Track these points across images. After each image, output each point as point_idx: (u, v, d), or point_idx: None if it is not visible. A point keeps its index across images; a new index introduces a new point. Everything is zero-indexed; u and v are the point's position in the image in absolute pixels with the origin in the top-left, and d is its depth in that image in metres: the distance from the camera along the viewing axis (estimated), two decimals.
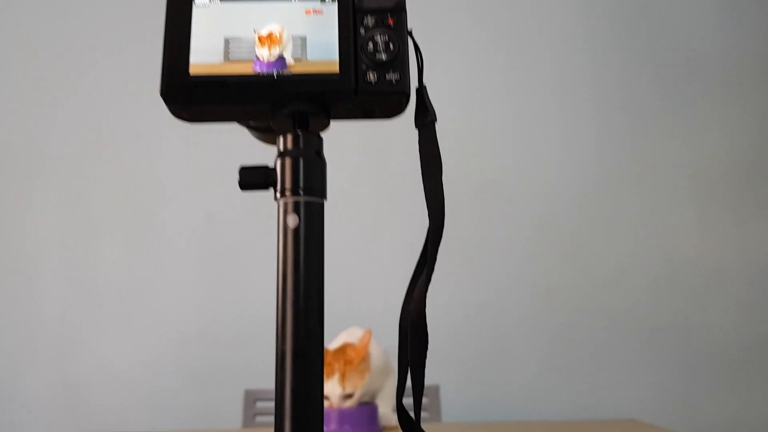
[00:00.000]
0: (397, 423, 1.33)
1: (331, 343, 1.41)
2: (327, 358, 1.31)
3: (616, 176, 2.17)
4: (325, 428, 1.29)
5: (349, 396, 1.29)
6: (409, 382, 0.48)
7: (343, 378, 1.28)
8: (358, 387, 1.29)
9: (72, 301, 2.07)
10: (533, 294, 2.09)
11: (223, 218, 2.11)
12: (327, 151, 0.46)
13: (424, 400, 1.79)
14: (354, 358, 1.31)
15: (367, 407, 1.32)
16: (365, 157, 2.15)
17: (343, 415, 1.29)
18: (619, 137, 2.18)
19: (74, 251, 2.10)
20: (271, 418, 1.79)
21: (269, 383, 2.13)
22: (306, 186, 0.42)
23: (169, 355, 2.03)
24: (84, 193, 2.14)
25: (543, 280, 2.10)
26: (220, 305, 2.06)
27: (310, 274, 0.41)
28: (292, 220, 0.41)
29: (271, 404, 1.97)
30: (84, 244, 2.11)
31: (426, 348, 0.44)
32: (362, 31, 0.45)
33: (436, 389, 1.77)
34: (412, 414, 0.48)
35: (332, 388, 1.27)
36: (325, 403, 1.30)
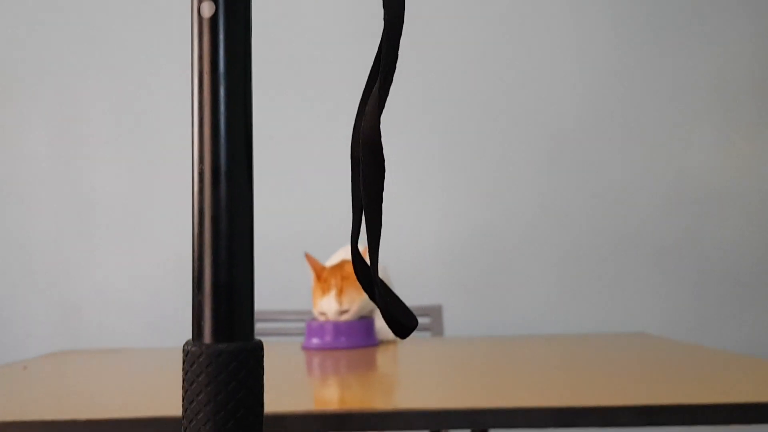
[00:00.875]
0: (395, 336, 1.28)
1: (328, 261, 1.37)
2: (323, 275, 1.27)
3: (629, 89, 2.06)
4: (320, 340, 1.26)
5: (345, 312, 1.25)
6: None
7: (339, 293, 1.24)
8: (355, 302, 1.25)
9: (67, 224, 2.04)
10: (541, 213, 2.02)
11: None
12: None
13: (426, 319, 1.75)
14: (351, 274, 1.27)
15: (364, 320, 1.28)
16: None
17: (339, 328, 1.25)
18: (633, 47, 2.06)
19: (68, 173, 2.06)
20: (271, 338, 1.77)
21: (268, 304, 2.09)
22: None
23: (166, 276, 2.00)
24: (76, 112, 2.08)
25: (551, 198, 2.02)
26: None
27: (233, 76, 0.34)
28: (207, 8, 0.33)
29: (271, 325, 1.94)
30: (78, 165, 2.06)
31: (382, 178, 0.36)
32: None
33: (438, 309, 1.73)
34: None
35: (328, 304, 1.24)
36: (321, 318, 1.27)
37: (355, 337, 1.25)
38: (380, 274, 1.36)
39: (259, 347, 0.35)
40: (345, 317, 1.26)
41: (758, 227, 2.02)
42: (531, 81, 2.06)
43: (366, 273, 0.40)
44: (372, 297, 0.41)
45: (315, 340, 1.25)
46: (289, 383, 0.92)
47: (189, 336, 1.94)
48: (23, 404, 0.85)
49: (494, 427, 0.76)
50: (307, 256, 1.30)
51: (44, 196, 2.05)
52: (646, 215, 2.03)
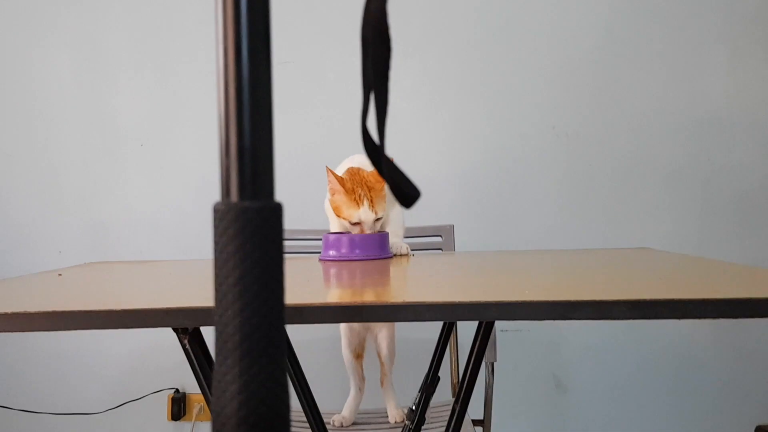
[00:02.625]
0: (408, 251, 1.33)
1: (336, 169, 1.40)
2: (347, 185, 1.31)
3: (642, 13, 2.03)
4: (336, 252, 1.31)
5: (379, 219, 1.30)
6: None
7: (372, 204, 1.28)
8: (384, 210, 1.31)
9: (94, 147, 2.10)
10: (552, 135, 2.04)
11: None
12: None
13: (438, 238, 1.80)
14: (374, 184, 1.31)
15: (378, 233, 1.33)
16: None
17: (354, 240, 1.30)
18: None
19: (93, 97, 2.10)
20: (294, 256, 1.84)
21: (292, 224, 2.16)
22: None
23: (191, 198, 2.07)
24: (100, 36, 2.10)
25: (563, 121, 2.04)
26: None
27: None
28: None
29: (294, 243, 2.01)
30: (102, 89, 2.10)
31: (389, 56, 0.40)
32: None
33: (450, 228, 1.78)
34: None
35: (365, 215, 1.28)
36: (356, 229, 1.30)
37: (370, 249, 1.30)
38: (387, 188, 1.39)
39: (280, 207, 0.40)
40: (378, 224, 1.31)
41: (766, 151, 2.02)
42: (544, 3, 2.04)
43: (374, 149, 0.44)
44: (380, 171, 0.45)
45: (331, 252, 1.31)
46: (306, 284, 0.98)
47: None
48: (61, 300, 0.92)
49: (498, 318, 0.82)
50: (328, 170, 1.33)
51: (71, 120, 2.10)
52: (655, 138, 2.04)
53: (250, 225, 0.39)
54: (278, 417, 0.38)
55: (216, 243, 0.40)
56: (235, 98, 0.38)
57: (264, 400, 0.38)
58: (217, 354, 0.40)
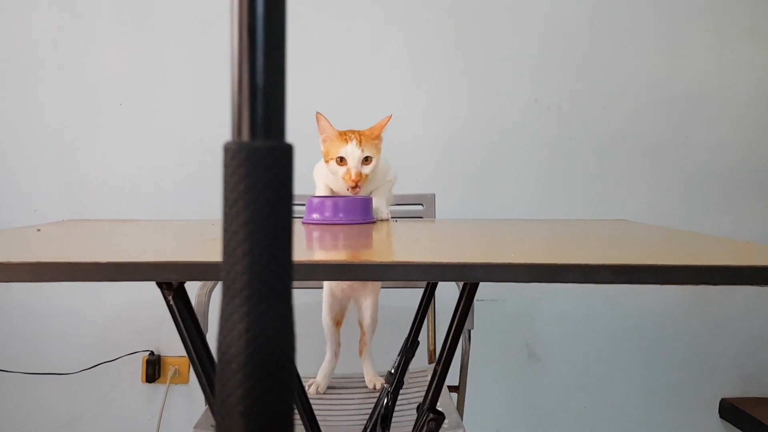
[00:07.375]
0: (389, 216, 1.33)
1: None
2: (339, 130, 1.30)
3: None
4: (320, 215, 1.31)
5: (367, 160, 1.28)
6: None
7: (360, 143, 1.27)
8: (375, 156, 1.29)
9: (71, 106, 2.05)
10: (535, 109, 2.05)
11: (221, 25, 2.03)
12: None
13: (419, 207, 1.81)
14: (369, 133, 1.30)
15: (362, 198, 1.32)
16: None
17: (337, 204, 1.30)
18: None
19: (70, 56, 2.05)
20: None
21: None
22: None
23: (169, 160, 2.04)
24: None
25: (546, 95, 2.05)
26: (219, 112, 2.04)
27: None
28: None
29: None
30: (80, 44, 2.05)
31: None
32: None
33: (432, 197, 1.79)
34: None
35: (351, 150, 1.27)
36: (342, 170, 1.29)
37: (353, 213, 1.30)
38: (383, 160, 1.38)
39: (291, 148, 0.40)
40: (366, 168, 1.29)
41: (744, 127, 2.07)
42: None
43: None
44: None
45: (315, 215, 1.31)
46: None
47: (190, 216, 2.00)
48: (43, 253, 0.91)
49: (484, 280, 0.83)
50: (319, 115, 1.31)
51: (48, 77, 2.05)
52: (637, 112, 2.06)
53: (263, 164, 0.38)
54: (285, 356, 0.39)
55: (226, 182, 0.39)
56: (248, 36, 0.38)
57: (272, 338, 0.38)
58: (224, 293, 0.40)
